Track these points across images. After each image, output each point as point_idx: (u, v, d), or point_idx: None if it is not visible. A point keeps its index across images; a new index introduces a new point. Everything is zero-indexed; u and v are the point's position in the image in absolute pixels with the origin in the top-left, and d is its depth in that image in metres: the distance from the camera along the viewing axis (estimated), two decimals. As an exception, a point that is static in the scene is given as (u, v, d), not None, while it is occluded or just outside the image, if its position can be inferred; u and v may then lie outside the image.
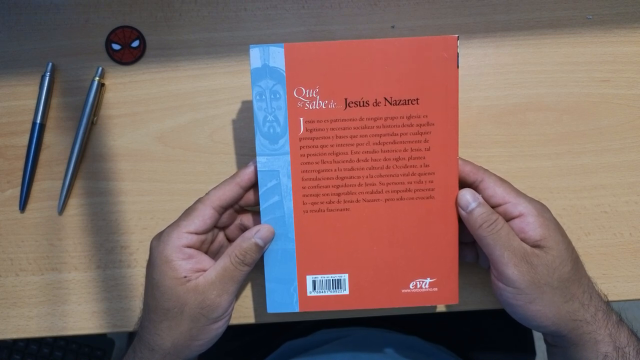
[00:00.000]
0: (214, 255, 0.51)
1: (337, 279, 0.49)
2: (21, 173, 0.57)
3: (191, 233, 0.46)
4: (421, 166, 0.47)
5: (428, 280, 0.49)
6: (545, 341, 0.52)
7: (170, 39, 0.57)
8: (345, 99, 0.46)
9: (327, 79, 0.46)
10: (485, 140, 0.57)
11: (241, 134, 0.57)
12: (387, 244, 0.48)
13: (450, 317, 0.67)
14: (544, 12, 0.57)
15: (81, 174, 0.57)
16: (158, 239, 0.47)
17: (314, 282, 0.49)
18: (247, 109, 0.57)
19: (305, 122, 0.47)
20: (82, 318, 0.57)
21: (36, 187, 0.57)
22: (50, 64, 0.56)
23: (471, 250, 0.52)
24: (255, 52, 0.46)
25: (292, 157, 0.47)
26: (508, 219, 0.46)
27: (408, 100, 0.46)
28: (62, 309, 0.57)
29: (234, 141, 0.57)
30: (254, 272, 0.54)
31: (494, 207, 0.47)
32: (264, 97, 0.47)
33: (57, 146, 0.57)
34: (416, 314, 0.56)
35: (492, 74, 0.57)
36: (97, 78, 0.56)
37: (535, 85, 0.57)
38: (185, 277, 0.45)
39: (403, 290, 0.49)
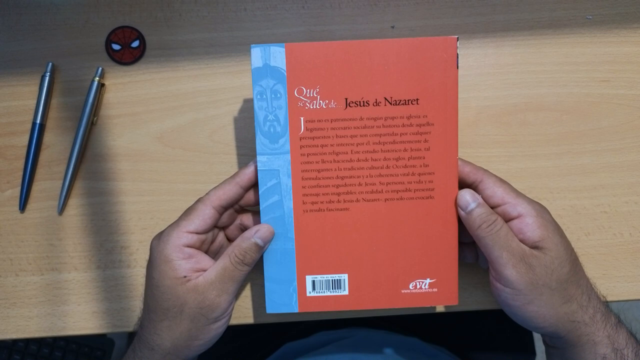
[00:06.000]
0: (214, 255, 0.51)
1: (337, 279, 0.49)
2: (21, 173, 0.57)
3: (191, 233, 0.46)
4: (421, 166, 0.47)
5: (428, 280, 0.49)
6: (544, 342, 0.52)
7: (170, 39, 0.57)
8: (346, 99, 0.46)
9: (328, 79, 0.46)
10: (485, 140, 0.57)
11: (241, 134, 0.57)
12: (386, 244, 0.48)
13: (450, 318, 0.67)
14: (544, 12, 0.57)
15: (81, 174, 0.57)
16: (158, 239, 0.47)
17: (313, 282, 0.49)
18: (247, 108, 0.57)
19: (305, 121, 0.47)
20: (82, 318, 0.57)
21: (36, 187, 0.57)
22: (50, 64, 0.56)
23: (471, 251, 0.52)
24: (256, 52, 0.46)
25: (293, 156, 0.47)
26: (507, 219, 0.46)
27: (408, 100, 0.46)
28: (62, 309, 0.57)
29: (234, 141, 0.57)
30: (254, 272, 0.54)
31: (493, 207, 0.47)
32: (264, 96, 0.47)
33: (57, 146, 0.57)
34: (416, 315, 0.56)
35: (492, 74, 0.57)
36: (97, 78, 0.56)
37: (535, 85, 0.57)
38: (185, 276, 0.45)
39: (403, 291, 0.49)
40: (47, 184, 0.57)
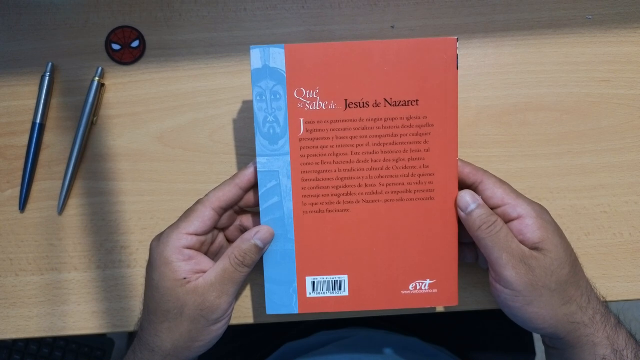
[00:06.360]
0: (214, 256, 0.51)
1: (337, 280, 0.49)
2: (21, 173, 0.57)
3: (191, 234, 0.46)
4: (421, 167, 0.47)
5: (428, 281, 0.49)
6: (544, 343, 0.52)
7: (170, 39, 0.57)
8: (345, 100, 0.46)
9: (328, 80, 0.46)
10: (485, 140, 0.57)
11: (241, 134, 0.57)
12: (386, 245, 0.48)
13: (450, 318, 0.67)
14: (544, 12, 0.57)
15: (81, 174, 0.57)
16: (158, 241, 0.47)
17: (313, 283, 0.49)
18: (247, 109, 0.57)
19: (305, 122, 0.47)
20: (82, 318, 0.57)
21: (36, 187, 0.57)
22: (50, 64, 0.56)
23: (471, 251, 0.52)
24: (255, 53, 0.46)
25: (292, 157, 0.47)
26: (507, 220, 0.46)
27: (408, 101, 0.46)
28: (62, 309, 0.57)
29: (234, 141, 0.57)
30: (254, 273, 0.54)
31: (493, 208, 0.47)
32: (264, 97, 0.47)
33: (57, 146, 0.57)
34: (416, 315, 0.56)
35: (492, 74, 0.57)
36: (97, 78, 0.56)
37: (535, 85, 0.57)
38: (184, 278, 0.45)
39: (403, 292, 0.49)
40: (47, 184, 0.57)
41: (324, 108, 0.46)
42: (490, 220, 0.45)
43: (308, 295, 0.49)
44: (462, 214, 0.47)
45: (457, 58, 0.46)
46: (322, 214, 0.48)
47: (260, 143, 0.47)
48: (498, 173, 0.50)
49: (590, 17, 0.57)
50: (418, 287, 0.49)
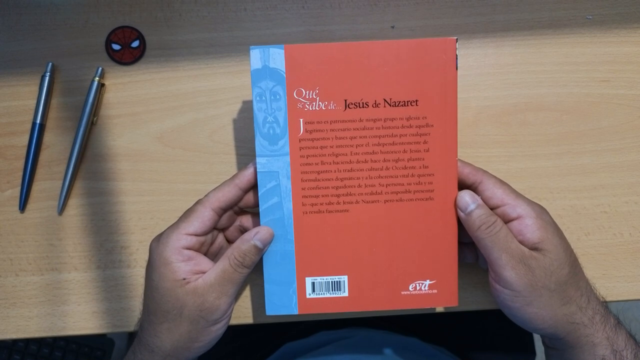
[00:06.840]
0: (214, 257, 0.51)
1: (337, 281, 0.49)
2: (21, 173, 0.57)
3: (190, 235, 0.46)
4: (420, 167, 0.47)
5: (427, 282, 0.49)
6: (543, 343, 0.52)
7: (170, 39, 0.57)
8: (345, 100, 0.46)
9: (327, 80, 0.46)
10: (485, 140, 0.57)
11: (241, 134, 0.57)
12: (386, 246, 0.48)
13: (450, 318, 0.67)
14: (544, 12, 0.57)
15: (81, 174, 0.57)
16: (157, 241, 0.47)
17: (313, 284, 0.49)
18: (247, 109, 0.57)
19: (305, 123, 0.47)
20: (82, 318, 0.57)
21: (36, 187, 0.57)
22: (50, 64, 0.56)
23: (471, 251, 0.52)
24: (255, 53, 0.46)
25: (292, 158, 0.47)
26: (506, 220, 0.46)
27: (407, 101, 0.46)
28: (62, 309, 0.57)
29: (234, 141, 0.57)
30: (254, 273, 0.54)
31: (492, 208, 0.47)
32: (264, 98, 0.47)
33: (57, 146, 0.57)
34: (416, 315, 0.56)
35: (492, 74, 0.57)
36: (97, 78, 0.56)
37: (535, 85, 0.57)
38: (184, 279, 0.45)
39: (402, 292, 0.49)
40: (47, 184, 0.57)
41: (323, 108, 0.46)
42: (490, 220, 0.45)
43: (308, 296, 0.49)
44: (461, 214, 0.47)
45: (457, 58, 0.46)
46: (322, 215, 0.48)
47: (259, 143, 0.47)
48: (498, 173, 0.50)
49: (590, 17, 0.57)
50: (418, 288, 0.49)
